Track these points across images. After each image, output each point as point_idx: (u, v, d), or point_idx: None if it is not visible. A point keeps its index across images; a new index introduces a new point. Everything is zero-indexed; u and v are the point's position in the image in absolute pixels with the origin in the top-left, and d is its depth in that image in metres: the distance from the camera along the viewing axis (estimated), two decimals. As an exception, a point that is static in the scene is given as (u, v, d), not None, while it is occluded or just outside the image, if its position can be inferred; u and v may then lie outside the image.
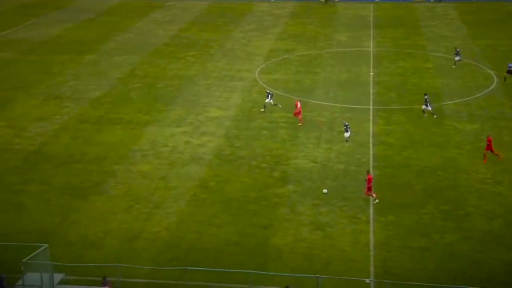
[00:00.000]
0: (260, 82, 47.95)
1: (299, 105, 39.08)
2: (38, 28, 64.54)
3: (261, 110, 41.17)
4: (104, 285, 21.44)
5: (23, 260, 19.85)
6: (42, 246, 20.84)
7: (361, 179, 30.90)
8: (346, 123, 35.85)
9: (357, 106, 42.30)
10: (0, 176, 32.07)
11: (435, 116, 39.07)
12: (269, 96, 41.17)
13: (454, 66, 50.09)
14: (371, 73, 49.66)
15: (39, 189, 30.77)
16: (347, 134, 35.54)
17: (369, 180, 28.99)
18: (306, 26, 66.36)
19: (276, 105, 40.74)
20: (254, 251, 25.95)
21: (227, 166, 33.69)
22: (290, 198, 30.34)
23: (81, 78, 48.28)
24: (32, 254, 20.21)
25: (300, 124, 38.69)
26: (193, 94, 44.97)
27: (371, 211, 28.90)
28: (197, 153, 35.29)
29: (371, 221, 28.07)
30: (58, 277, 20.86)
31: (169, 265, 24.02)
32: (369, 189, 29.06)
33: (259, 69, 51.41)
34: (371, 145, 36.14)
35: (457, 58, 50.12)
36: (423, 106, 39.36)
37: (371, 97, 44.48)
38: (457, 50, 50.83)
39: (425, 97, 39.48)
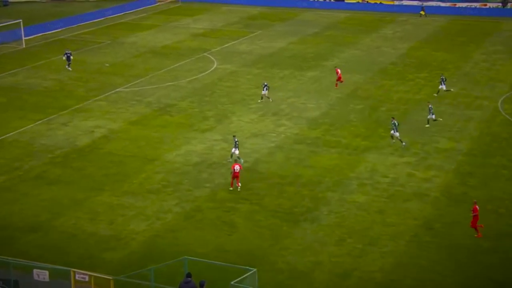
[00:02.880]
0: (503, 113, 45.27)
1: (339, 72, 50.54)
2: (261, 40, 68.79)
3: (259, 100, 48.06)
4: None
5: (232, 282, 20.98)
6: (251, 270, 21.81)
7: None
8: (236, 140, 37.31)
9: None
10: (214, 191, 34.56)
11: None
12: (265, 88, 47.80)
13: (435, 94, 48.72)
14: None
15: (250, 209, 32.51)
16: (236, 151, 37.04)
17: (236, 171, 33.85)
18: None
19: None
20: (483, 312, 24.38)
21: (456, 207, 32.27)
22: (533, 254, 27.98)
23: (300, 95, 50.22)
24: (241, 278, 21.25)
25: (335, 87, 50.67)
26: (421, 121, 44.00)
27: None
28: (421, 188, 34.39)
29: None
30: (264, 305, 21.64)
31: (382, 312, 23.61)
32: (236, 177, 33.99)
33: (503, 97, 48.62)
34: None
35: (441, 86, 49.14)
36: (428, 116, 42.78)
37: None
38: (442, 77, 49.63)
39: (429, 105, 43.19)
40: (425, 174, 36.13)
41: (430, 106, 43.33)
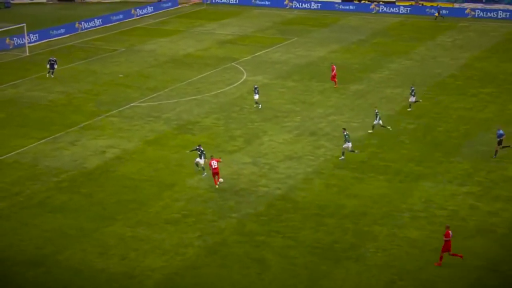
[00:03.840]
0: None
1: (335, 69, 55.37)
2: (298, 48, 69.18)
3: (255, 106, 51.13)
4: None
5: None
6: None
7: None
8: (202, 149, 39.52)
9: None
10: (242, 222, 34.70)
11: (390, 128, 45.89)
12: (256, 91, 50.95)
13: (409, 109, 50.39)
14: None
15: (283, 244, 32.53)
16: (201, 161, 39.50)
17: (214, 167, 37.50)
18: None
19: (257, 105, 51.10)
20: None
21: (527, 245, 31.96)
22: None
23: (343, 113, 50.31)
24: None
25: (335, 86, 55.38)
26: (486, 144, 43.75)
27: None
28: (486, 223, 34.14)
29: None
30: None
31: None
32: (216, 174, 37.72)
33: None
34: None
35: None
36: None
37: None
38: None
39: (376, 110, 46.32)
40: (490, 206, 35.81)
41: (376, 111, 46.14)
